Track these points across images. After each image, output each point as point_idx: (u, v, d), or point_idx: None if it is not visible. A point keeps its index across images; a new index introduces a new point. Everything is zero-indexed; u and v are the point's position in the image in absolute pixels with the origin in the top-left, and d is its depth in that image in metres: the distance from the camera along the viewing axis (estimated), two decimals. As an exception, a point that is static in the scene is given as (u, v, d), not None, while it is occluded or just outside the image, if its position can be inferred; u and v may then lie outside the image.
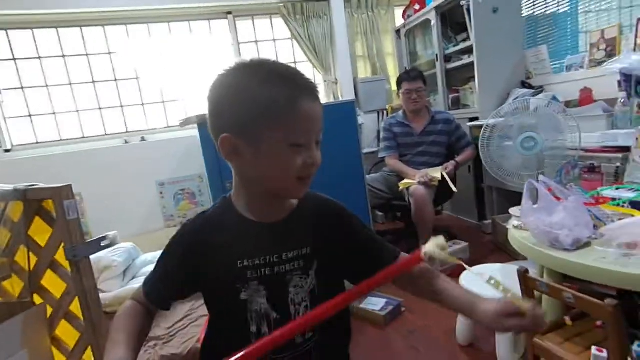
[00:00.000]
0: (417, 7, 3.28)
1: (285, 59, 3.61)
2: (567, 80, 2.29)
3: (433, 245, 0.52)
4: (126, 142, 3.17)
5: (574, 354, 1.00)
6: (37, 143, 3.04)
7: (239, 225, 0.61)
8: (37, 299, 1.08)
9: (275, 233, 0.61)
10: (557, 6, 2.59)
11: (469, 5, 2.59)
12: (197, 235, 0.62)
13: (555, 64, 2.57)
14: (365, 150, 2.60)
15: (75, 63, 3.06)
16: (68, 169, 2.83)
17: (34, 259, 1.05)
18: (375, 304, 1.78)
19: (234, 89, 0.57)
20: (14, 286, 1.10)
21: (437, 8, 2.95)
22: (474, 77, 2.70)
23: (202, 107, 2.82)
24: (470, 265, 1.48)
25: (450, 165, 2.35)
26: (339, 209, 0.67)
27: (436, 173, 2.29)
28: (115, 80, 3.17)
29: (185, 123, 1.89)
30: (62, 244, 1.02)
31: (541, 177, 1.16)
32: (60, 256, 1.05)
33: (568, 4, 2.52)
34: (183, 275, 0.62)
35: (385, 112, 3.57)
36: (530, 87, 2.57)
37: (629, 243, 0.96)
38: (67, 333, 1.10)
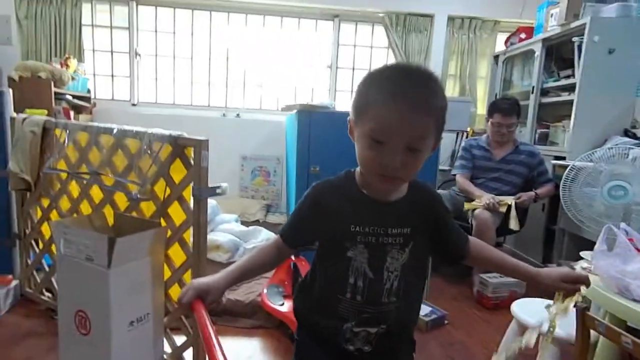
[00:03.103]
0: (522, 35, 3.23)
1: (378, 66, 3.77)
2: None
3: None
4: (224, 115, 3.59)
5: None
6: (157, 103, 3.59)
7: (357, 197, 0.73)
8: (162, 222, 1.38)
9: (386, 211, 0.73)
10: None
11: (581, 43, 2.52)
12: (324, 195, 0.76)
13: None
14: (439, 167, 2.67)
15: (198, 41, 3.55)
16: (177, 128, 3.29)
17: (167, 191, 1.35)
18: (421, 309, 1.87)
19: (364, 81, 0.70)
20: (148, 208, 1.41)
21: (544, 40, 2.89)
22: (569, 115, 2.61)
23: (300, 97, 3.14)
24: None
25: (525, 195, 2.31)
26: (441, 204, 0.79)
27: (507, 200, 2.28)
28: (227, 60, 3.61)
29: (287, 109, 2.15)
30: (191, 184, 1.30)
31: (622, 225, 1.18)
32: (186, 193, 1.34)
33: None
34: (307, 225, 0.77)
35: (465, 134, 3.57)
36: (634, 136, 2.43)
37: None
38: (176, 254, 1.40)
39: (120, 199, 1.48)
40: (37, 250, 1.80)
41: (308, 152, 1.94)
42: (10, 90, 1.82)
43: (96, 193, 1.54)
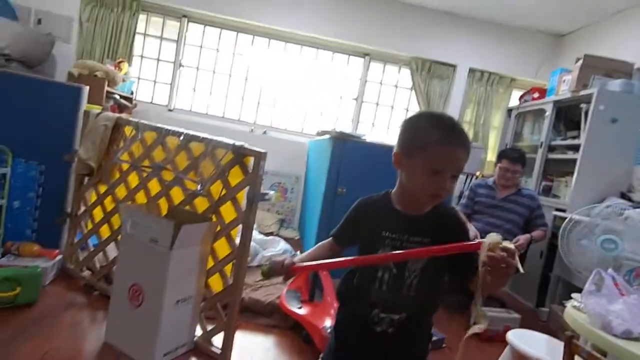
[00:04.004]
0: (536, 95, 3.52)
1: (400, 104, 4.07)
2: (668, 205, 2.35)
3: (490, 239, 0.71)
4: (251, 131, 3.85)
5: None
6: (191, 111, 3.85)
7: (390, 211, 0.95)
8: (214, 218, 1.58)
9: (411, 222, 0.93)
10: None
11: (587, 109, 2.79)
12: (365, 207, 1.00)
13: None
14: (448, 203, 2.88)
15: (238, 60, 3.86)
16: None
17: (223, 192, 1.56)
18: (422, 330, 2.03)
19: (413, 125, 0.92)
20: (202, 205, 1.62)
21: (555, 102, 3.17)
22: (572, 172, 2.84)
23: (325, 124, 3.43)
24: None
25: (523, 238, 2.50)
26: (457, 220, 0.99)
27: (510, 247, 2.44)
28: (262, 80, 3.90)
29: (322, 133, 2.39)
30: (246, 188, 1.51)
31: (610, 271, 1.37)
32: (239, 195, 1.55)
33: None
34: (352, 228, 1.00)
35: (474, 177, 3.80)
36: (629, 200, 2.65)
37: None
38: (221, 247, 1.59)
39: (176, 194, 1.69)
40: (85, 231, 1.99)
41: (338, 174, 2.16)
42: (88, 88, 2.06)
43: (154, 186, 1.75)
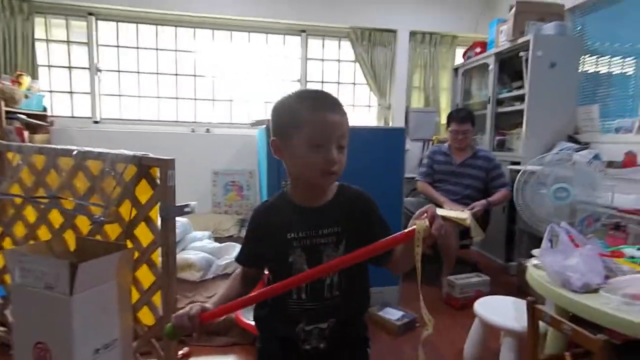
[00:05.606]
0: (478, 50, 3.44)
1: (346, 79, 3.88)
2: (614, 142, 2.35)
3: (423, 224, 0.65)
4: (193, 131, 3.55)
5: (569, 385, 1.11)
6: (121, 119, 3.49)
7: (290, 209, 0.82)
8: (129, 244, 1.35)
9: (315, 215, 0.81)
10: (621, 67, 2.65)
11: (527, 57, 2.72)
12: (262, 218, 0.86)
13: (607, 123, 2.62)
14: (406, 175, 2.76)
15: (164, 56, 3.52)
16: (143, 145, 3.19)
17: (133, 212, 1.33)
18: (392, 314, 1.93)
19: (281, 106, 0.80)
20: (113, 230, 1.38)
21: (496, 54, 3.09)
22: (522, 123, 2.79)
23: (269, 111, 3.16)
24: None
25: (479, 205, 2.44)
26: (367, 201, 0.85)
27: (465, 215, 2.36)
28: (194, 76, 3.59)
29: (256, 124, 2.17)
30: (158, 204, 1.29)
31: (563, 224, 1.28)
32: (153, 213, 1.33)
33: (634, 67, 2.57)
34: (256, 244, 0.86)
35: (430, 142, 3.72)
36: (576, 142, 2.63)
37: (634, 294, 1.07)
38: (144, 276, 1.37)
39: (83, 223, 1.44)
40: (-9, 281, 1.70)
41: (278, 166, 1.96)
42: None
43: (56, 217, 1.49)
